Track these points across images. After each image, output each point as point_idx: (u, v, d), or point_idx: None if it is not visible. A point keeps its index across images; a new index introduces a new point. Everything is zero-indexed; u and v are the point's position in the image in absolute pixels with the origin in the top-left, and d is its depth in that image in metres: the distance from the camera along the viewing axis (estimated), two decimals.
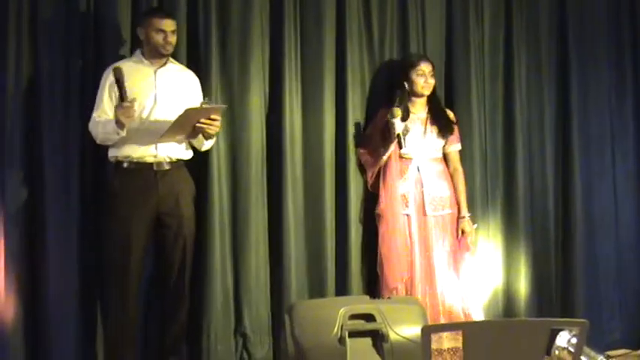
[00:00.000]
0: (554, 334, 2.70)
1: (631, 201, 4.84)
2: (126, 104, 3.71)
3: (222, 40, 4.28)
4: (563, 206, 4.74)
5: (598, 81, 4.83)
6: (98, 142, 3.89)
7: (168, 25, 3.91)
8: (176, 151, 3.92)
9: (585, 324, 2.64)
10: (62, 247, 4.01)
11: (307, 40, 4.40)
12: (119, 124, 3.75)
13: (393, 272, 4.16)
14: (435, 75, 4.33)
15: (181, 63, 4.11)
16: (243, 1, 4.30)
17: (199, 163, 4.10)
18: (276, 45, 4.36)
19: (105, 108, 3.86)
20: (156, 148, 3.86)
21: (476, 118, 4.58)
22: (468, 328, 2.70)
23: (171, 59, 4.01)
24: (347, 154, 4.38)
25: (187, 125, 3.78)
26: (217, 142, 4.14)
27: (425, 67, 4.27)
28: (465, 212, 4.31)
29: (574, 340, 2.67)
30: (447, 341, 3.95)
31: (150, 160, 3.87)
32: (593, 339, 3.62)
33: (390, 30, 4.53)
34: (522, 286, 4.59)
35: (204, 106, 3.83)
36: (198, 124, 3.79)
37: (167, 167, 3.90)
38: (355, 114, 4.43)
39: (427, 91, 4.29)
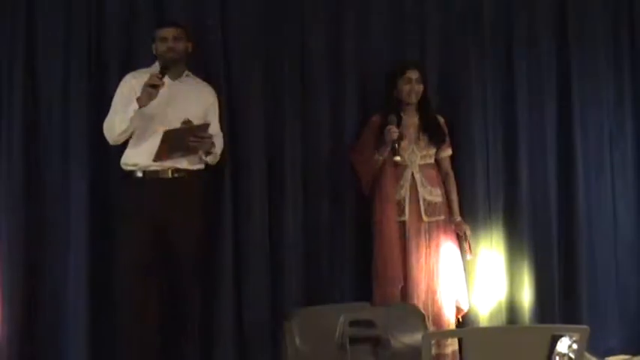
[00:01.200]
0: (554, 340, 2.70)
1: (629, 208, 4.84)
2: (156, 78, 3.78)
3: (223, 47, 4.31)
4: (566, 214, 4.72)
5: (598, 87, 4.80)
6: (112, 139, 3.92)
7: (169, 32, 3.95)
8: (183, 162, 3.92)
9: (585, 330, 2.64)
10: (67, 264, 4.08)
11: (307, 52, 4.43)
12: (143, 96, 3.78)
13: (389, 279, 4.14)
14: (423, 81, 4.29)
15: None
16: (241, 7, 4.34)
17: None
18: (276, 57, 4.39)
19: (117, 111, 3.91)
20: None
21: (476, 126, 4.56)
22: (468, 335, 2.71)
23: (189, 73, 4.05)
24: (344, 161, 4.37)
25: (178, 144, 3.82)
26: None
27: (411, 75, 4.26)
28: (457, 216, 4.31)
29: (575, 347, 2.68)
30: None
31: (157, 168, 3.89)
32: (594, 345, 3.62)
33: (388, 36, 4.53)
34: (525, 296, 4.57)
35: (182, 126, 3.87)
36: (189, 143, 3.83)
37: (173, 176, 3.90)
38: (353, 121, 4.43)
39: (414, 99, 4.28)
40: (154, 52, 4.00)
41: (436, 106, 4.47)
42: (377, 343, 3.55)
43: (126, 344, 3.94)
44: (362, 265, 4.34)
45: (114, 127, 3.88)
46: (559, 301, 4.62)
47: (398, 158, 4.14)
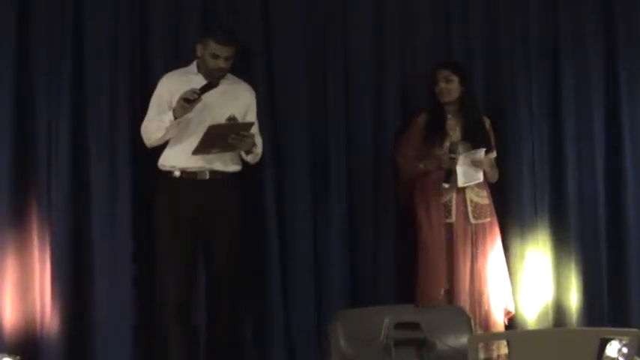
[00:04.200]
0: (604, 343, 2.66)
1: None
2: (194, 94, 3.78)
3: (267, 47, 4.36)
4: (614, 215, 4.63)
5: None
6: (149, 144, 3.98)
7: (224, 51, 3.91)
8: (221, 163, 3.96)
9: (636, 333, 2.60)
10: (112, 265, 4.14)
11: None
12: (177, 108, 3.81)
13: (432, 282, 4.09)
14: (460, 81, 4.24)
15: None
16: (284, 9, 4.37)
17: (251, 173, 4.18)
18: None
19: (153, 116, 3.96)
20: (200, 159, 3.91)
21: (522, 126, 4.51)
22: (515, 338, 2.68)
23: (227, 75, 4.03)
24: (390, 162, 4.37)
25: (219, 140, 3.84)
26: (269, 155, 4.24)
27: (440, 73, 4.24)
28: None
29: (625, 350, 2.64)
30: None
31: (194, 170, 3.93)
32: None
33: (434, 34, 4.53)
34: (572, 298, 4.51)
35: (227, 122, 3.88)
36: (230, 140, 3.84)
37: (210, 177, 3.94)
38: (397, 121, 4.43)
39: (445, 98, 4.23)
40: (199, 53, 3.97)
41: (482, 106, 4.44)
42: (422, 345, 3.53)
43: (167, 343, 3.97)
44: (407, 266, 4.32)
45: (150, 133, 3.94)
46: (608, 304, 4.55)
47: (447, 185, 4.11)
